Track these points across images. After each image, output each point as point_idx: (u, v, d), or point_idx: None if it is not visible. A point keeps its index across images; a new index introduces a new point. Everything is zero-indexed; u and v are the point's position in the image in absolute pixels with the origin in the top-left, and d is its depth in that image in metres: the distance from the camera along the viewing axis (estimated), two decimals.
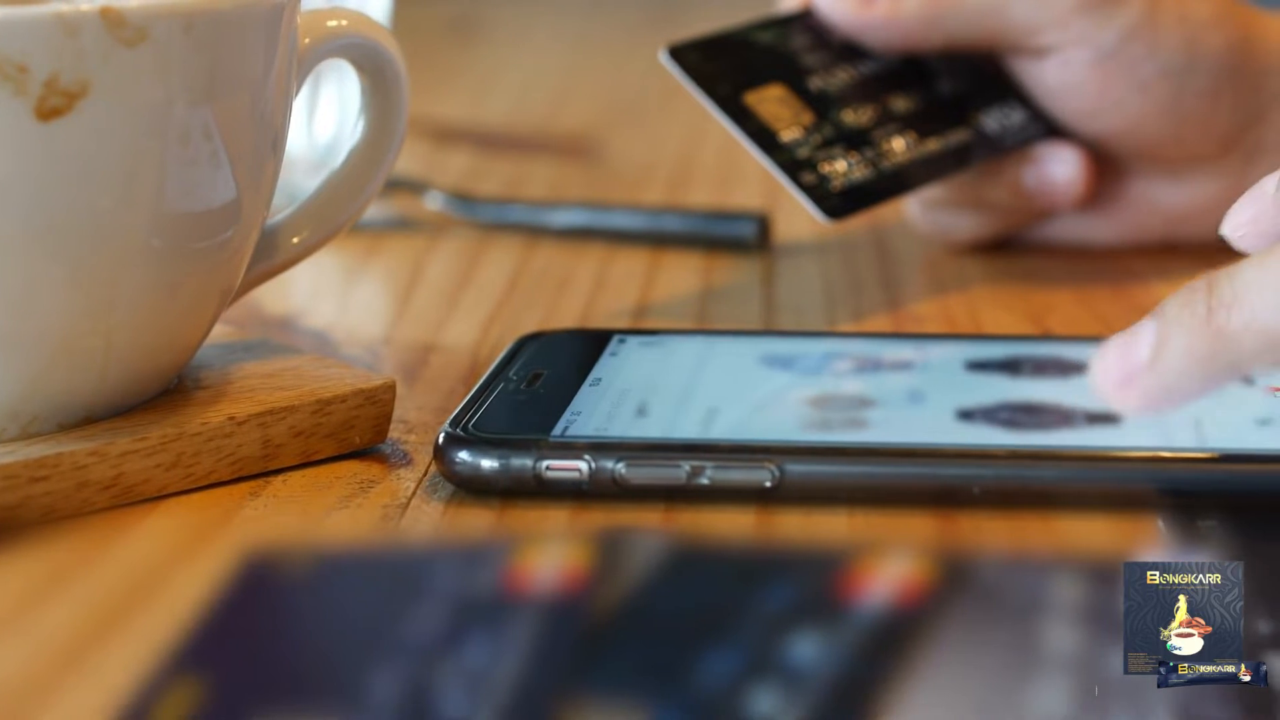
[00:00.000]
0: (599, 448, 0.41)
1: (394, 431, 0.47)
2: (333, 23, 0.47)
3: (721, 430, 0.42)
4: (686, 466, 0.41)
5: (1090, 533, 0.40)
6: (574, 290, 0.60)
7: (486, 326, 0.57)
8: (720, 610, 0.34)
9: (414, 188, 0.70)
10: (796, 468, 0.41)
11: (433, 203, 0.69)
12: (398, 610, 0.35)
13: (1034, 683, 0.32)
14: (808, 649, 0.32)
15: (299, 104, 0.80)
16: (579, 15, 1.38)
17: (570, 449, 0.41)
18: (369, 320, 0.58)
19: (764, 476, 0.41)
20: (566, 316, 0.57)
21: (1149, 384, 0.38)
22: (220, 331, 0.49)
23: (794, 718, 0.30)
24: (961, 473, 0.41)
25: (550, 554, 0.36)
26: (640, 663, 0.33)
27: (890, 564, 0.36)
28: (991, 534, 0.40)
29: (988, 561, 0.37)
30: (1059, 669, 0.32)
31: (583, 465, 0.41)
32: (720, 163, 0.81)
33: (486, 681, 0.32)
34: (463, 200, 0.69)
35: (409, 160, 0.84)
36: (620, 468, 0.41)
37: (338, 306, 0.61)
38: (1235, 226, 0.42)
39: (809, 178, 0.56)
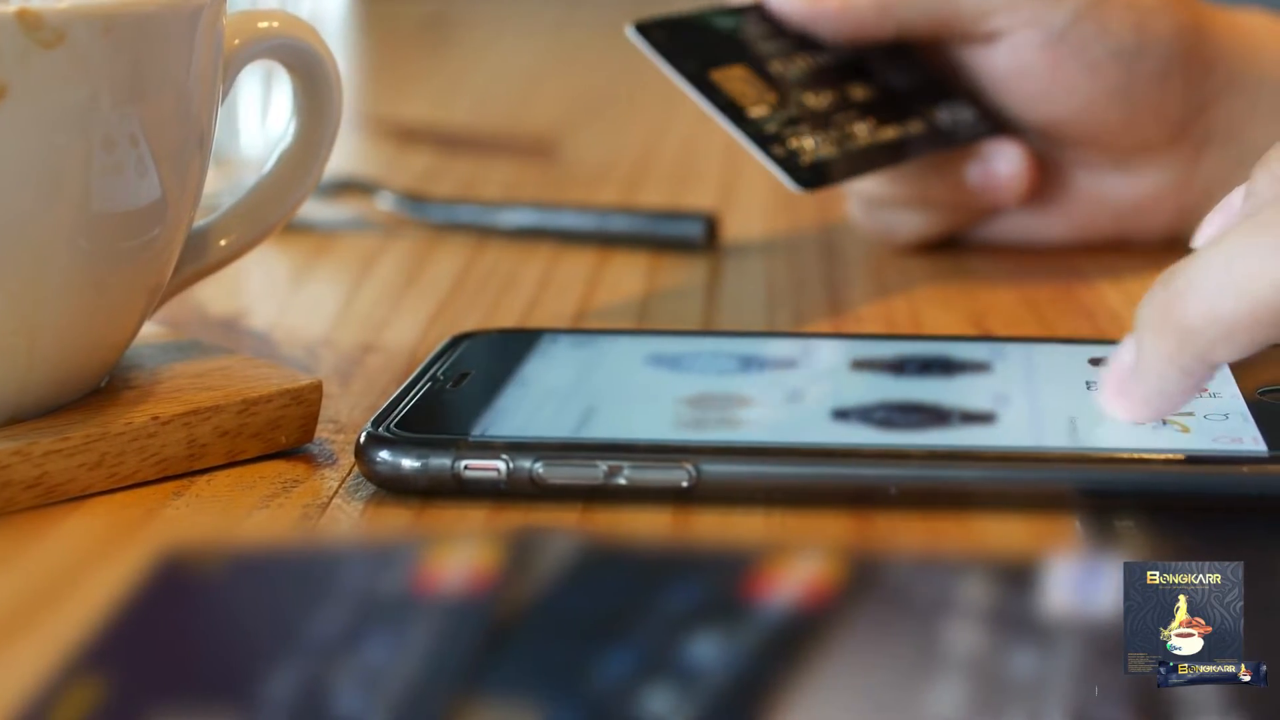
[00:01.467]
0: (517, 447, 0.41)
1: (324, 431, 0.47)
2: (264, 24, 0.47)
3: (640, 430, 0.42)
4: (603, 466, 0.41)
5: (1006, 533, 0.40)
6: (518, 290, 0.61)
7: (428, 327, 0.57)
8: (624, 610, 0.34)
9: (365, 188, 0.70)
10: (713, 468, 0.41)
11: (384, 203, 0.69)
12: (304, 610, 0.35)
13: (932, 683, 0.32)
14: (706, 649, 0.33)
15: (254, 104, 0.80)
16: (553, 15, 1.38)
17: (488, 449, 0.41)
18: (311, 320, 0.58)
19: (680, 476, 0.41)
20: (508, 316, 0.58)
21: (1137, 390, 0.40)
22: (154, 332, 0.49)
23: (685, 718, 0.30)
24: (878, 473, 0.41)
25: (459, 554, 0.36)
26: (539, 662, 0.33)
27: (798, 565, 0.36)
28: (907, 534, 0.40)
29: (898, 562, 0.37)
30: (958, 670, 0.32)
31: (500, 465, 0.41)
32: (676, 164, 0.81)
33: (383, 680, 0.32)
34: (413, 201, 0.69)
35: (368, 160, 0.84)
36: (538, 467, 0.41)
37: (281, 306, 0.61)
38: (1205, 239, 0.42)
39: (779, 150, 0.56)
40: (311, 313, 0.59)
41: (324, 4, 0.77)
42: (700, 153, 0.82)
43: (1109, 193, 0.63)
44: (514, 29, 1.32)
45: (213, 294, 0.60)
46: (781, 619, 0.34)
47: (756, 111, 0.57)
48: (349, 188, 0.70)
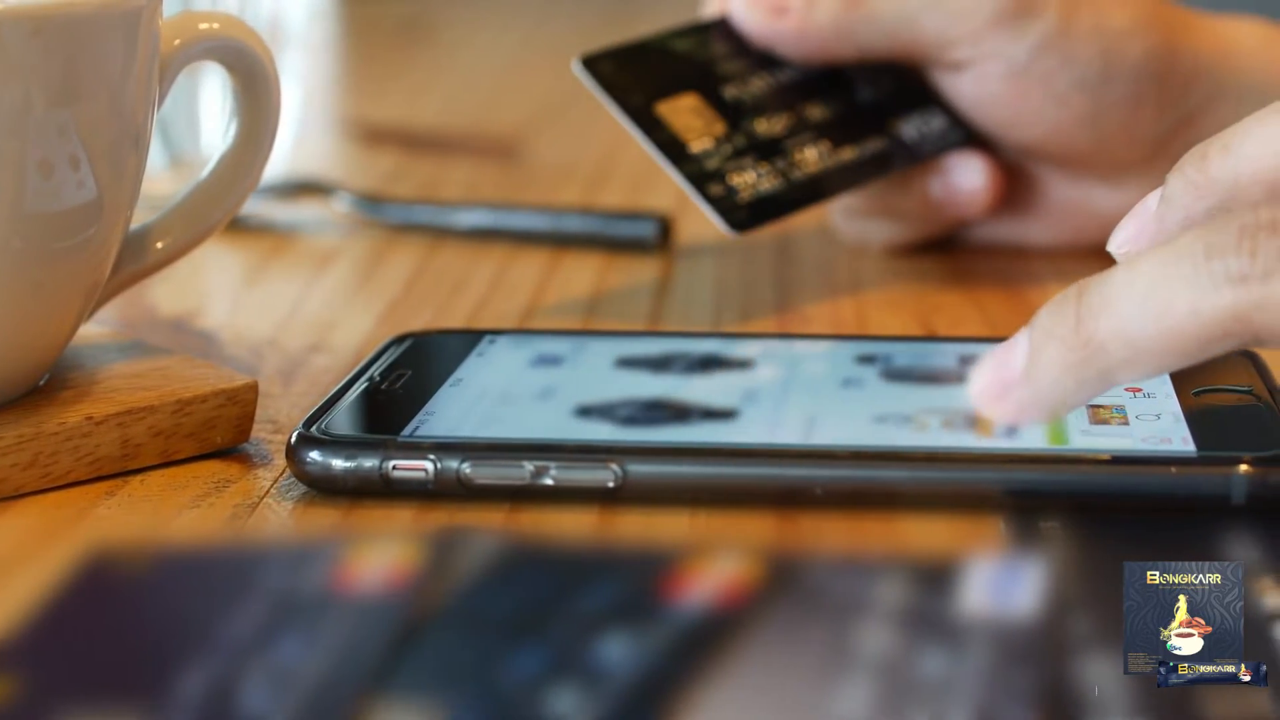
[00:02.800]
0: (444, 448, 0.41)
1: (262, 431, 0.47)
2: (204, 25, 0.47)
3: (569, 431, 0.43)
4: (530, 466, 0.41)
5: (931, 534, 0.40)
6: (469, 291, 0.61)
7: (376, 328, 0.57)
8: (539, 610, 0.34)
9: (323, 189, 0.70)
10: (639, 468, 0.41)
11: (341, 204, 0.69)
12: (222, 610, 0.35)
13: (839, 684, 0.32)
14: (616, 649, 0.33)
15: (215, 105, 0.80)
16: (531, 17, 1.38)
17: (416, 449, 0.42)
18: (261, 321, 0.58)
19: (607, 477, 0.41)
20: (457, 317, 0.58)
21: (1023, 396, 0.38)
22: (97, 332, 0.49)
23: (587, 718, 0.31)
24: (804, 473, 0.41)
25: (379, 554, 0.37)
26: (448, 662, 0.33)
27: (716, 565, 0.36)
28: (831, 535, 0.40)
29: (817, 562, 0.38)
30: (868, 671, 0.32)
31: (428, 465, 0.41)
32: (639, 165, 0.81)
33: (292, 679, 0.32)
34: (370, 202, 0.69)
35: (333, 160, 0.85)
36: (465, 467, 0.41)
37: (233, 307, 0.61)
38: (1120, 243, 0.42)
39: (716, 189, 0.56)
40: (262, 313, 0.59)
41: (286, 6, 0.77)
42: None
43: (1096, 204, 0.63)
44: (490, 29, 1.32)
45: (165, 294, 0.60)
46: (695, 620, 0.34)
47: (699, 146, 0.57)
48: (306, 189, 0.70)
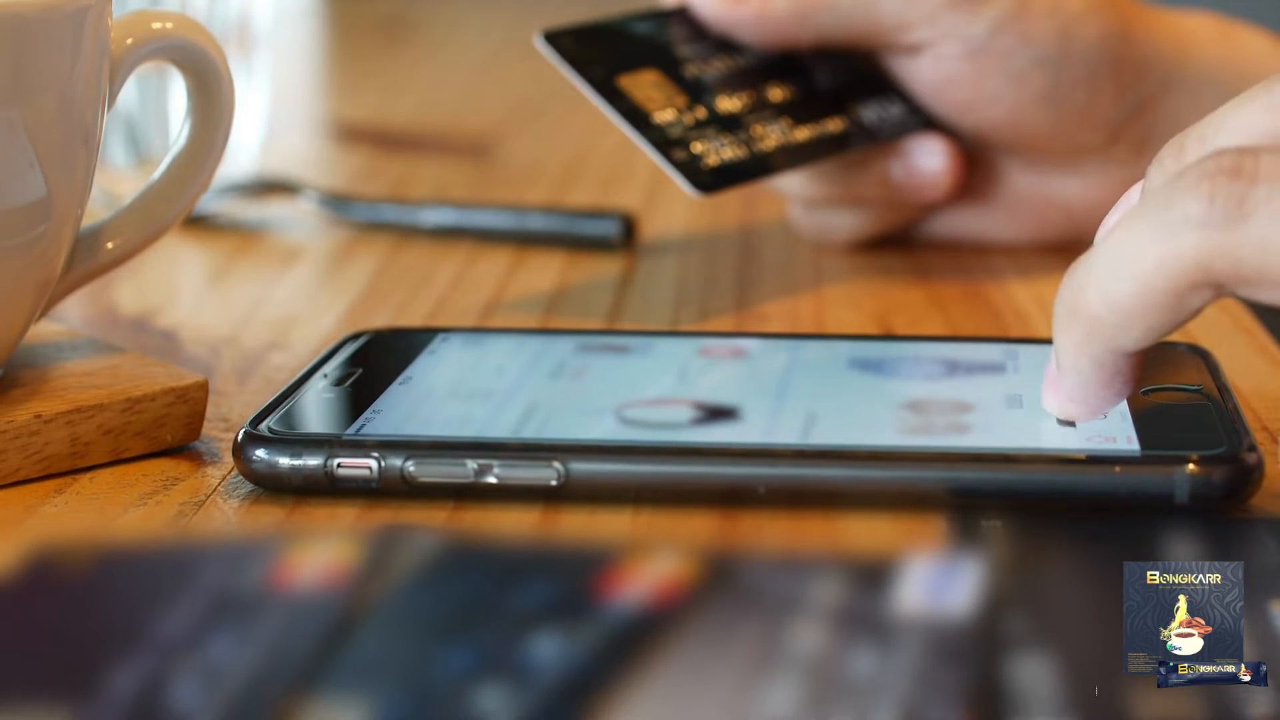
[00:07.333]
0: (388, 446, 0.42)
1: (215, 429, 0.47)
2: (157, 24, 0.47)
3: (514, 429, 0.43)
4: (473, 465, 0.41)
5: (872, 533, 0.40)
6: (431, 289, 0.61)
7: (337, 325, 0.57)
8: (472, 609, 0.34)
9: (290, 188, 0.70)
10: (581, 466, 0.41)
11: (308, 203, 0.69)
12: (158, 607, 0.35)
13: (768, 683, 0.32)
14: (546, 648, 0.33)
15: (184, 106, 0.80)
16: (513, 17, 1.38)
17: (360, 447, 0.42)
18: (221, 319, 0.58)
19: (550, 475, 0.41)
20: (417, 315, 0.58)
21: (1066, 386, 0.40)
22: (51, 330, 0.49)
23: (511, 716, 0.31)
24: (746, 472, 0.41)
25: (317, 552, 0.37)
26: (378, 660, 0.33)
27: (652, 564, 0.36)
28: (771, 534, 0.40)
29: (756, 561, 0.38)
30: (798, 670, 0.33)
31: (372, 463, 0.41)
32: (609, 163, 0.81)
33: (222, 676, 0.32)
34: (337, 200, 0.69)
35: (305, 159, 0.85)
36: (409, 466, 0.41)
37: (195, 305, 0.61)
38: (1104, 233, 0.42)
39: (680, 154, 0.56)
40: (223, 311, 0.59)
41: (257, 5, 0.77)
42: (632, 153, 0.82)
43: (1056, 192, 0.63)
44: (471, 29, 1.32)
45: (128, 292, 0.61)
46: (627, 618, 0.34)
47: (662, 116, 0.57)
48: (274, 187, 0.70)
